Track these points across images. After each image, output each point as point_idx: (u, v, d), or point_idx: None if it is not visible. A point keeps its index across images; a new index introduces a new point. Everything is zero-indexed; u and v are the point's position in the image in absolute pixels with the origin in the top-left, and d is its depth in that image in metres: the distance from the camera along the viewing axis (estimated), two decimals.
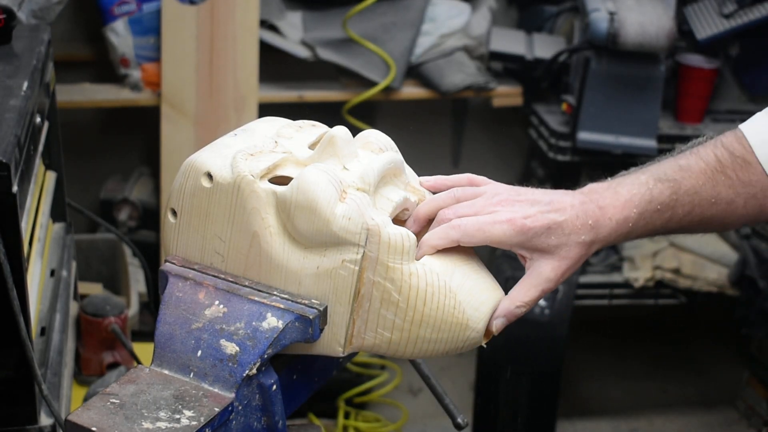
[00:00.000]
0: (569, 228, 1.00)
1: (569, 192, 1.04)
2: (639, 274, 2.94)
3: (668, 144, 2.84)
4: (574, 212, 1.01)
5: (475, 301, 0.97)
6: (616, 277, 3.00)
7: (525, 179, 3.23)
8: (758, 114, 1.13)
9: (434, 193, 1.06)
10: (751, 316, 2.90)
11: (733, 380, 3.22)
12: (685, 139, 3.08)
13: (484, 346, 0.99)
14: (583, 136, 2.75)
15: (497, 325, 0.99)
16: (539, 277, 1.00)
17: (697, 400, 3.26)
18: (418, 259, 0.97)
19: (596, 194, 1.04)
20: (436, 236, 0.99)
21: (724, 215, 1.08)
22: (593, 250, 1.03)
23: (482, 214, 1.00)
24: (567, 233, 1.00)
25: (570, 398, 3.22)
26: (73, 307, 1.74)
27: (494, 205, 1.01)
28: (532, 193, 1.03)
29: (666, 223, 1.06)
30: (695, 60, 2.91)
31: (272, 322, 0.92)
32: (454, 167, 3.38)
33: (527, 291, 1.00)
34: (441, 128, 3.40)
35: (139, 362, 1.67)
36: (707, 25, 2.89)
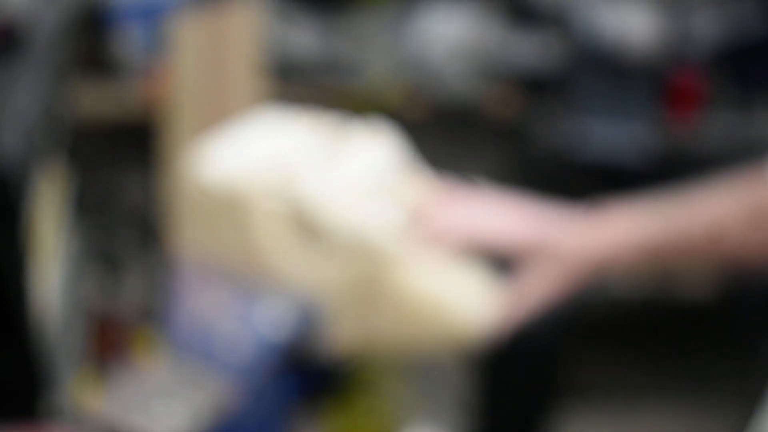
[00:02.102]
0: (563, 248, 0.99)
1: (578, 214, 1.03)
2: (636, 273, 2.94)
3: (664, 146, 2.86)
4: (573, 234, 1.00)
5: (475, 301, 0.98)
6: (613, 277, 3.00)
7: (522, 184, 3.24)
8: None
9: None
10: (748, 317, 2.91)
11: (730, 379, 3.22)
12: (680, 141, 3.09)
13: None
14: (580, 140, 2.76)
15: (485, 343, 0.99)
16: (525, 296, 0.99)
17: (694, 398, 3.26)
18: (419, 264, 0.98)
19: (602, 222, 1.01)
20: (448, 240, 1.00)
21: (732, 257, 1.04)
22: (586, 274, 1.00)
23: (479, 222, 1.00)
24: (560, 252, 0.99)
25: (569, 397, 3.22)
26: (78, 306, 1.75)
27: (494, 214, 1.01)
28: (535, 209, 1.02)
29: (670, 256, 1.04)
30: (691, 62, 2.91)
31: (273, 321, 0.93)
32: (454, 168, 3.38)
33: (511, 309, 0.99)
34: (439, 131, 3.40)
35: (141, 361, 1.67)
36: (704, 27, 2.89)
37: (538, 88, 2.92)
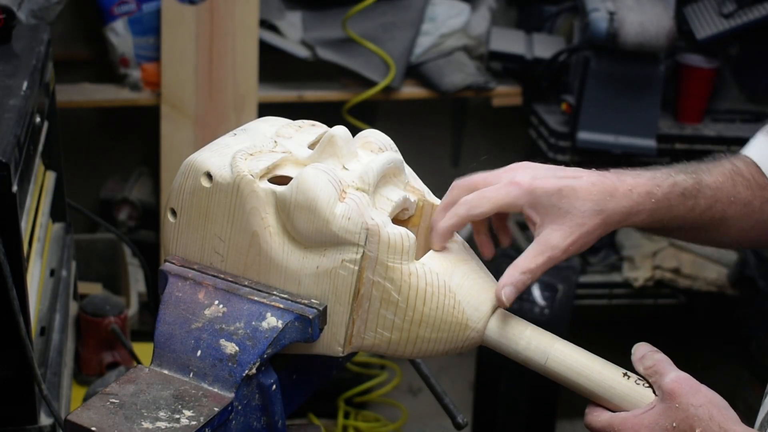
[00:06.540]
0: (584, 194, 0.96)
1: (595, 171, 1.00)
2: (639, 273, 2.94)
3: (668, 144, 2.85)
4: (591, 180, 0.97)
5: (475, 301, 0.97)
6: (615, 277, 3.00)
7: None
8: (752, 141, 1.15)
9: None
10: (750, 316, 2.90)
11: (733, 380, 3.22)
12: (684, 139, 3.07)
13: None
14: (583, 135, 2.75)
15: (507, 294, 0.95)
16: (546, 243, 0.95)
17: None
18: (436, 247, 0.98)
19: (619, 172, 1.00)
20: (445, 218, 0.98)
21: (740, 216, 1.07)
22: (611, 223, 0.97)
23: (493, 184, 0.98)
24: (582, 198, 0.96)
25: (569, 398, 3.22)
26: (73, 307, 1.74)
27: (507, 172, 0.98)
28: (552, 167, 0.99)
29: (689, 212, 1.03)
30: (695, 60, 2.91)
31: (272, 321, 0.92)
32: (454, 167, 3.38)
33: (533, 258, 0.96)
34: (441, 128, 3.40)
35: (138, 362, 1.67)
36: (707, 24, 2.89)
37: (547, 77, 2.91)
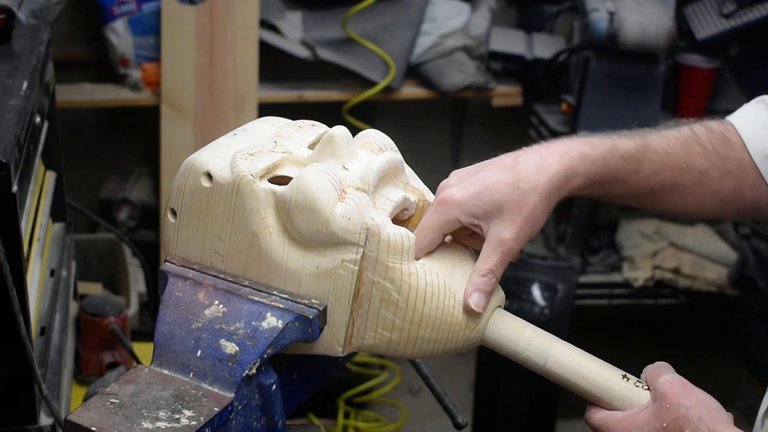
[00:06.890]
0: (512, 179, 0.96)
1: (524, 149, 1.01)
2: (639, 273, 2.94)
3: None
4: (516, 160, 0.98)
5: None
6: (615, 277, 3.00)
7: None
8: (743, 106, 1.15)
9: None
10: (750, 316, 2.90)
11: (733, 380, 3.22)
12: None
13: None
14: (583, 135, 2.75)
15: (475, 300, 0.95)
16: (496, 240, 0.96)
17: None
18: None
19: (552, 143, 1.01)
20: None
21: (696, 186, 1.07)
22: (549, 194, 0.98)
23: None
24: (511, 185, 0.96)
25: (569, 398, 3.22)
26: (73, 307, 1.74)
27: (437, 194, 0.99)
28: (478, 165, 1.00)
29: (632, 174, 1.02)
30: (695, 60, 2.91)
31: (272, 321, 0.92)
32: (454, 167, 3.37)
33: (488, 257, 0.96)
34: (441, 128, 3.40)
35: (138, 362, 1.67)
36: (707, 24, 2.89)
37: (547, 77, 2.91)
